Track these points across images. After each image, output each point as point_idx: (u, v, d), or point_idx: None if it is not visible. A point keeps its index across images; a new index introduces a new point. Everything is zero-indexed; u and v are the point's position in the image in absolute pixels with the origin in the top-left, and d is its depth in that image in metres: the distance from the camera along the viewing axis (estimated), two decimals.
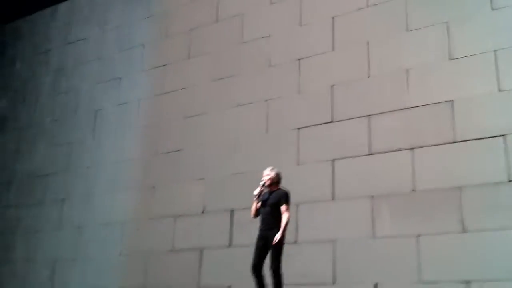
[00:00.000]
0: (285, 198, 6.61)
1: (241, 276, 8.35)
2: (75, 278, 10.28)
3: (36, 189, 11.65)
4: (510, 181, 6.84)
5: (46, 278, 10.66)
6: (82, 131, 11.42)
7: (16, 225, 11.68)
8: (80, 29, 12.50)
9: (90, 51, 12.08)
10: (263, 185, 6.71)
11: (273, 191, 6.69)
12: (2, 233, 11.87)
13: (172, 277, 9.20)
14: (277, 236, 6.39)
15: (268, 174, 6.75)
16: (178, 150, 9.94)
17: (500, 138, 7.03)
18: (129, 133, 10.72)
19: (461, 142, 7.29)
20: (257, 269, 6.51)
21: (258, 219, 6.72)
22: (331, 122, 8.46)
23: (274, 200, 6.60)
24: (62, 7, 13.11)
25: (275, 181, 6.76)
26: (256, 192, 6.67)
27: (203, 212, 9.26)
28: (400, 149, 7.73)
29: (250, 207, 8.52)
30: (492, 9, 7.55)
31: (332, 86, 8.61)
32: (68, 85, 12.15)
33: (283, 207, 6.54)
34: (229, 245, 8.80)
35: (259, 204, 6.70)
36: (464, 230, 6.96)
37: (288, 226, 6.50)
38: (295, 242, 8.11)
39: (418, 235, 7.25)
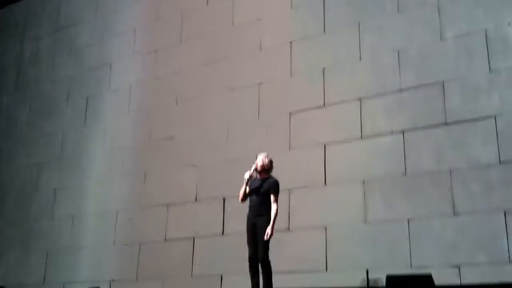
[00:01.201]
0: (274, 187, 6.54)
1: (234, 265, 8.34)
2: (69, 268, 10.22)
3: (29, 178, 11.55)
4: (500, 163, 6.72)
5: (39, 268, 10.60)
6: (74, 118, 11.29)
7: (8, 216, 11.61)
8: (70, 15, 12.31)
9: (80, 37, 11.91)
10: (255, 169, 6.60)
11: (264, 179, 6.59)
12: None
13: (165, 265, 9.14)
14: (268, 231, 6.32)
15: (261, 160, 6.64)
16: (170, 137, 9.81)
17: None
18: (121, 119, 10.60)
19: (452, 125, 7.16)
20: (254, 260, 6.46)
21: (247, 204, 6.64)
22: (323, 106, 8.32)
23: (265, 189, 6.51)
24: None
25: (267, 168, 6.66)
26: (247, 175, 6.57)
27: (196, 199, 9.17)
28: (392, 133, 7.60)
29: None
30: None
31: (324, 68, 8.46)
32: (59, 72, 11.99)
33: (272, 197, 6.47)
34: (222, 233, 8.71)
35: (247, 189, 6.60)
36: (455, 214, 6.86)
37: (277, 216, 6.43)
38: (287, 228, 8.03)
39: (410, 219, 7.15)
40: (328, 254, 7.69)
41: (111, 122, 10.72)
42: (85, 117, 11.15)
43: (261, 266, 6.38)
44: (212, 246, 8.75)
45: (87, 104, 11.20)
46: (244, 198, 6.65)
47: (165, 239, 9.28)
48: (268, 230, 6.33)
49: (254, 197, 6.55)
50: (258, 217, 6.45)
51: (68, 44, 12.07)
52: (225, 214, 8.77)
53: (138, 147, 10.19)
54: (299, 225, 8.01)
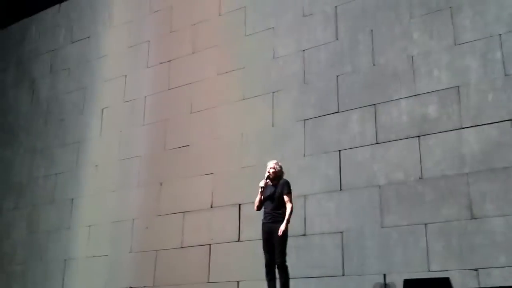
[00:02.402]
0: (286, 188, 6.66)
1: (250, 271, 8.39)
2: (86, 277, 10.30)
3: (45, 189, 11.67)
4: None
5: (57, 277, 10.69)
6: (89, 130, 11.42)
7: (26, 225, 11.72)
8: (85, 27, 12.49)
9: (95, 49, 12.07)
10: (268, 177, 6.69)
11: (276, 185, 6.72)
12: (12, 233, 11.91)
13: (181, 272, 9.19)
14: (282, 227, 6.39)
15: (272, 167, 6.73)
16: (185, 146, 9.91)
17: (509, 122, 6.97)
18: (136, 130, 10.71)
19: (468, 128, 7.20)
20: (271, 266, 6.54)
21: (262, 212, 6.73)
22: (337, 112, 8.39)
23: (278, 193, 6.64)
24: (65, 5, 13.10)
25: (279, 174, 6.77)
26: (262, 184, 6.70)
27: (211, 206, 9.24)
28: (408, 137, 7.64)
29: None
30: None
31: (338, 76, 8.53)
32: (74, 84, 12.14)
33: (286, 198, 6.57)
34: (238, 240, 8.76)
35: (262, 197, 6.72)
36: (472, 217, 6.87)
37: (293, 216, 6.52)
38: (304, 234, 8.08)
39: (426, 224, 7.17)
40: (345, 260, 7.71)
41: (127, 133, 10.83)
42: (100, 128, 11.27)
43: (279, 271, 6.44)
44: (228, 253, 8.80)
45: (102, 115, 11.33)
46: (260, 207, 6.77)
47: (181, 246, 9.34)
48: (282, 226, 6.43)
49: (269, 203, 6.66)
50: (274, 223, 6.54)
51: (84, 56, 12.22)
52: (240, 221, 8.83)
53: (154, 156, 10.29)
54: (315, 231, 8.04)
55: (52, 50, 12.92)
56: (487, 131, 7.07)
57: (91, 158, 11.19)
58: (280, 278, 6.44)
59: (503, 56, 7.17)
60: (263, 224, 6.66)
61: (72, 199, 11.14)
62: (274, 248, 6.52)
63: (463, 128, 7.24)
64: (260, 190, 6.72)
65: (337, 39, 8.73)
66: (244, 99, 9.46)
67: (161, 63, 10.83)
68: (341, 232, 7.84)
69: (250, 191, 8.76)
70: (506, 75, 7.10)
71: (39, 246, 11.29)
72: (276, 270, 6.53)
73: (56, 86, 12.51)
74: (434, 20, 7.84)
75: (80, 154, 11.39)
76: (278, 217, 6.57)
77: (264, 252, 6.62)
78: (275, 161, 6.88)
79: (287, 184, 6.70)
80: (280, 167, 6.83)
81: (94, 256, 10.39)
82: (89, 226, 10.66)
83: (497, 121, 7.02)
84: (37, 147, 12.27)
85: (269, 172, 6.75)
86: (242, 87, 9.55)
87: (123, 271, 9.91)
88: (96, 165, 11.04)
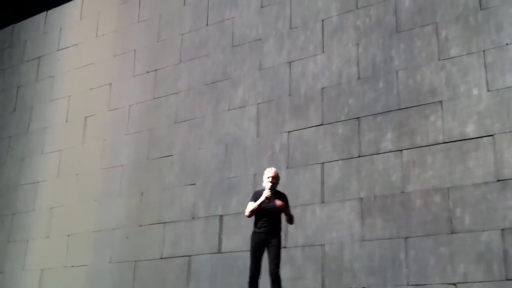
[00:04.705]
0: (287, 201, 6.59)
1: (230, 284, 8.29)
2: (64, 287, 10.13)
3: (25, 197, 11.53)
4: (498, 181, 6.71)
5: (35, 287, 10.51)
6: (72, 138, 11.32)
7: (4, 234, 11.55)
8: (71, 35, 12.44)
9: (81, 57, 12.01)
10: (271, 187, 6.45)
11: (274, 194, 6.48)
12: None
13: (161, 283, 9.07)
14: (280, 203, 6.37)
15: (274, 176, 6.53)
16: (169, 156, 9.83)
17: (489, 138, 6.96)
18: (120, 139, 10.62)
19: (449, 143, 7.19)
20: (256, 279, 6.34)
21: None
22: (321, 124, 8.35)
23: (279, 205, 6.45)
24: (53, 13, 13.06)
25: (278, 178, 6.64)
26: (268, 194, 6.35)
27: (192, 218, 9.14)
28: (390, 151, 7.61)
29: (239, 212, 8.55)
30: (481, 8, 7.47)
31: (323, 88, 8.51)
32: (59, 91, 12.06)
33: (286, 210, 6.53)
34: (218, 251, 8.66)
35: (258, 206, 6.43)
36: (452, 231, 6.83)
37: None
38: (284, 246, 7.96)
39: (407, 237, 7.12)
40: (325, 272, 7.62)
41: (110, 142, 10.74)
42: (83, 136, 11.17)
43: (275, 277, 6.24)
44: (209, 264, 8.69)
45: (86, 124, 11.24)
46: (252, 214, 6.47)
47: (161, 257, 9.22)
48: (280, 202, 6.38)
49: (266, 213, 6.40)
50: (272, 234, 6.37)
51: (68, 63, 12.15)
52: (221, 233, 8.73)
53: (136, 166, 10.19)
54: (296, 243, 7.96)
55: (39, 57, 12.84)
56: None
57: (72, 167, 11.06)
58: (275, 285, 6.22)
59: (487, 72, 7.19)
60: (257, 233, 6.41)
61: (52, 207, 10.99)
62: (262, 259, 6.35)
63: (444, 143, 7.22)
64: (262, 200, 6.36)
65: (323, 52, 8.72)
66: (229, 109, 9.41)
67: (147, 72, 10.77)
68: (322, 245, 7.76)
69: (232, 202, 8.77)
70: (488, 91, 7.10)
71: (18, 255, 11.11)
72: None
73: (39, 94, 12.41)
74: (415, 35, 7.86)
75: (62, 162, 11.27)
76: (276, 230, 6.43)
77: (251, 263, 6.35)
78: (274, 169, 6.62)
79: (287, 198, 6.60)
80: (278, 175, 6.62)
81: (73, 266, 10.24)
82: (69, 235, 10.51)
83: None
84: (19, 154, 12.13)
85: (271, 182, 6.46)
86: (228, 98, 9.50)
87: (102, 281, 9.75)
88: (77, 174, 10.91)
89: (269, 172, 6.55)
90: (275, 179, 6.52)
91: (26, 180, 11.72)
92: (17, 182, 11.87)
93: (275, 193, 6.49)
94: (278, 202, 6.39)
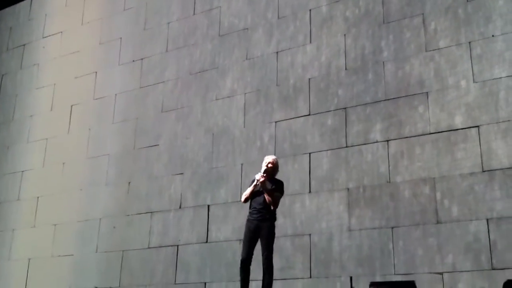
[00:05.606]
0: (281, 188, 6.56)
1: (217, 273, 8.32)
2: (50, 276, 10.09)
3: (11, 186, 11.44)
4: (485, 171, 6.79)
5: (21, 276, 10.46)
6: (58, 127, 11.22)
7: None
8: (56, 22, 12.30)
9: (66, 45, 11.89)
10: (265, 171, 6.47)
11: (270, 181, 6.49)
12: None
13: (148, 273, 9.07)
14: (269, 187, 6.37)
15: (271, 162, 6.56)
16: (155, 145, 9.79)
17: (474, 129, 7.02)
18: (105, 128, 10.56)
19: (437, 134, 7.24)
20: (247, 263, 6.34)
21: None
22: (310, 115, 8.37)
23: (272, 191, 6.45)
24: (37, 0, 12.90)
25: (275, 171, 6.63)
26: (258, 176, 6.42)
27: (180, 207, 9.14)
28: (378, 141, 7.66)
29: (227, 202, 8.57)
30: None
31: (311, 79, 8.52)
32: (44, 79, 11.94)
33: (276, 195, 6.47)
34: (206, 241, 8.67)
35: (252, 189, 6.47)
36: (440, 222, 6.90)
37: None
38: None
39: (395, 227, 7.18)
40: (312, 262, 7.68)
41: (96, 131, 10.67)
42: (69, 125, 11.08)
43: (265, 267, 6.24)
44: (196, 254, 8.70)
45: (71, 112, 11.15)
46: (248, 199, 6.51)
47: (149, 247, 9.22)
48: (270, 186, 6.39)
49: (259, 199, 6.43)
50: (263, 221, 6.37)
51: (54, 51, 12.02)
52: (209, 222, 8.74)
53: (123, 155, 10.15)
54: (284, 233, 7.98)
55: (23, 45, 12.69)
56: None
57: (58, 156, 10.98)
58: (265, 276, 6.25)
59: (472, 63, 7.25)
60: (250, 220, 6.43)
61: (38, 197, 10.92)
62: (254, 246, 6.35)
63: (431, 133, 7.28)
64: (254, 183, 6.45)
65: (310, 42, 8.72)
66: (216, 99, 9.39)
67: (134, 60, 10.70)
68: (309, 234, 7.81)
69: (219, 192, 8.77)
70: (474, 82, 7.17)
71: (3, 244, 11.04)
72: (251, 267, 6.34)
73: (24, 82, 12.27)
74: (404, 27, 7.89)
75: (48, 151, 11.18)
76: (267, 216, 6.41)
77: (244, 247, 6.36)
78: (274, 157, 6.67)
79: (282, 185, 6.57)
80: (277, 163, 6.67)
81: (59, 256, 10.20)
82: (55, 225, 10.45)
83: None
84: (4, 143, 12.01)
85: (267, 166, 6.50)
86: (216, 87, 9.48)
87: (89, 271, 9.74)
88: (64, 163, 10.83)
89: (268, 158, 6.61)
90: (272, 165, 6.54)
91: (11, 169, 11.62)
92: (2, 171, 11.77)
93: (273, 181, 6.50)
94: (267, 184, 6.37)
